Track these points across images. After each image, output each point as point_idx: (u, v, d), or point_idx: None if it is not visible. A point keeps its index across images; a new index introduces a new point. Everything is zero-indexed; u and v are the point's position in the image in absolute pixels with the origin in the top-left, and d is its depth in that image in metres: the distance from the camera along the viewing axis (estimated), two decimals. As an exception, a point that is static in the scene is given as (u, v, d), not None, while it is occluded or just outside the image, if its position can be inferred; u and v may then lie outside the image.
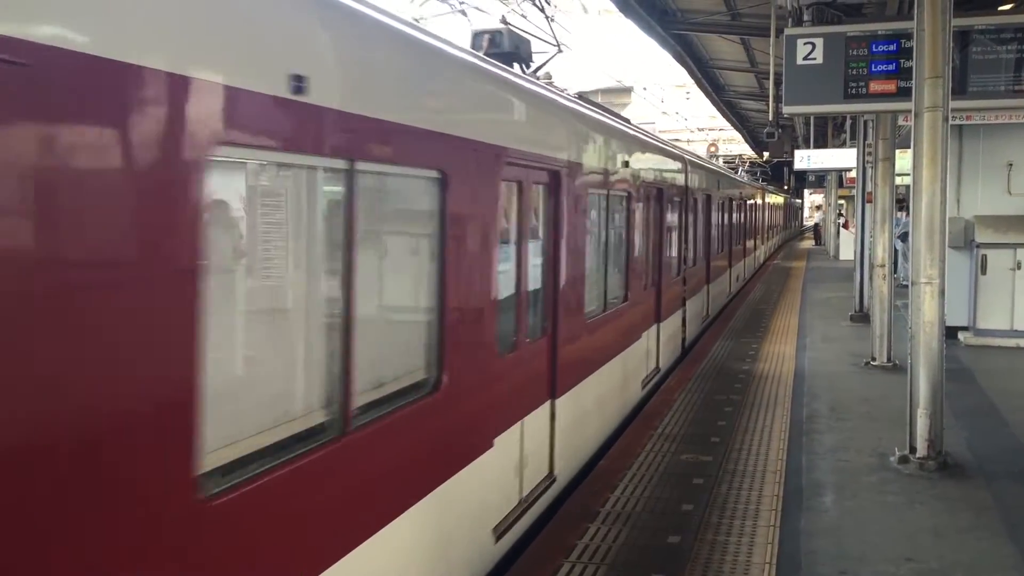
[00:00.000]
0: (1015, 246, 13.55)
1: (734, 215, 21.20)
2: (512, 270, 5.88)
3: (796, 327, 15.95)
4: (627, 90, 45.15)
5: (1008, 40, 8.98)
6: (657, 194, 10.83)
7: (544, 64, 8.76)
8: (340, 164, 3.65)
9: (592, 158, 7.69)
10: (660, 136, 14.40)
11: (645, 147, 10.45)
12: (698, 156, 18.80)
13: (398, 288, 4.64)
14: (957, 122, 12.97)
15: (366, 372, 3.87)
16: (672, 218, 12.00)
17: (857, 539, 5.95)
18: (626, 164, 8.92)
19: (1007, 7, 10.66)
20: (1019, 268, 13.57)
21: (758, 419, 9.11)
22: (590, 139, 7.78)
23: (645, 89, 36.15)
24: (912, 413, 7.61)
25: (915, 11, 7.57)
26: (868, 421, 9.09)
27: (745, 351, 13.38)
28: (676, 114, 42.60)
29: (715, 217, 17.06)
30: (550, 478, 6.55)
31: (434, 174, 4.53)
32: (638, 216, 9.67)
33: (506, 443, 5.57)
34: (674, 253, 12.37)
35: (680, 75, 27.61)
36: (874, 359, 12.25)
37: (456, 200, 4.70)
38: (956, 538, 6.01)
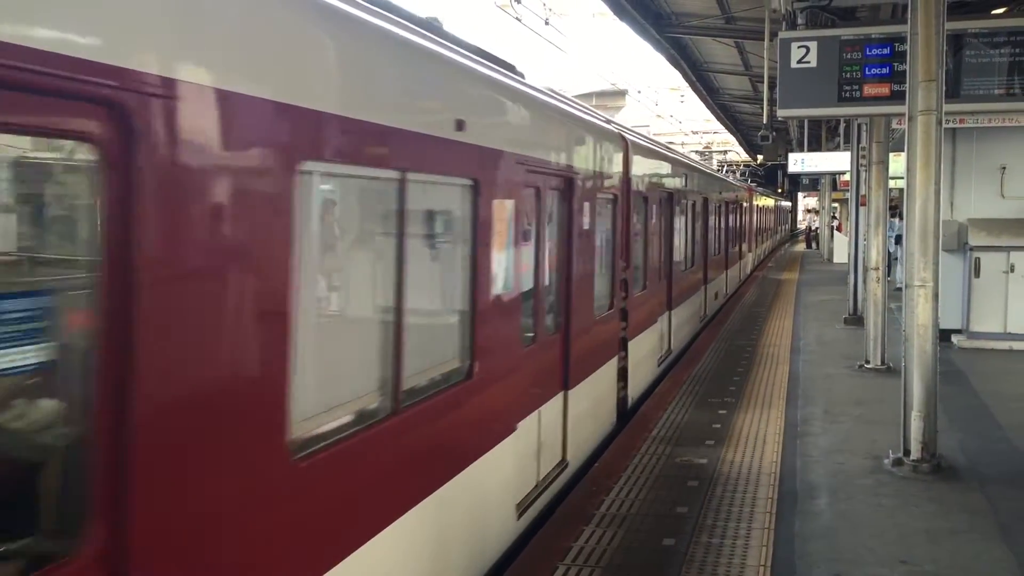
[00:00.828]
0: (1008, 249, 13.60)
1: (711, 219, 17.59)
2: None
3: (791, 330, 15.97)
4: (621, 93, 45.21)
5: (1001, 44, 9.01)
6: (564, 187, 7.09)
7: None
8: None
9: (358, 107, 3.84)
10: (582, 103, 9.75)
11: (528, 107, 6.42)
12: (651, 140, 14.30)
13: None
14: (951, 125, 13.00)
15: None
16: (599, 226, 8.21)
17: (851, 542, 5.96)
18: (461, 126, 4.90)
19: (1000, 11, 10.70)
20: (1012, 271, 13.61)
21: (753, 420, 9.12)
22: (361, 75, 3.99)
23: (640, 92, 36.15)
24: (906, 416, 7.62)
25: (909, 15, 7.60)
26: (862, 424, 9.11)
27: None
28: (670, 117, 42.71)
29: (681, 222, 13.43)
30: None
31: None
32: (508, 224, 5.79)
33: None
34: (604, 279, 8.57)
35: (674, 78, 27.69)
36: (868, 362, 12.27)
37: None
38: (950, 540, 6.03)
